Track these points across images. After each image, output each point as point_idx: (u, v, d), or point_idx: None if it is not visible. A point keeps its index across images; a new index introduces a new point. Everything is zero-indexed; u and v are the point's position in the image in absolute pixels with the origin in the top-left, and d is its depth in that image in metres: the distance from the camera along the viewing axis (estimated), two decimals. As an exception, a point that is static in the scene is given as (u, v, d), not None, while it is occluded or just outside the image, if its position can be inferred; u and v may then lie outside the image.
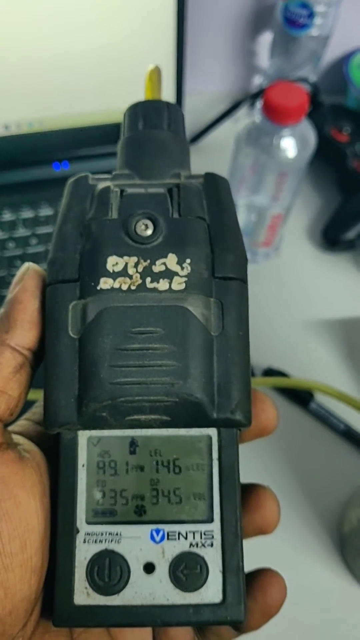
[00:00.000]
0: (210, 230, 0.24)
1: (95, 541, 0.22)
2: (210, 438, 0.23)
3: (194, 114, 0.75)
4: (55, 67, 0.59)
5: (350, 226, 0.64)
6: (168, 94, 0.64)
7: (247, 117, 0.68)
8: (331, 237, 0.65)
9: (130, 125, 0.28)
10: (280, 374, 0.56)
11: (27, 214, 0.63)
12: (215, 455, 0.23)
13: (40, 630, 0.22)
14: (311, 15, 0.66)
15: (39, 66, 0.59)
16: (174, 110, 0.28)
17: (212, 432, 0.23)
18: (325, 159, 0.70)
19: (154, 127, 0.27)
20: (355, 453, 0.53)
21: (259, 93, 0.70)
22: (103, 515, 0.22)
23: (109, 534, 0.22)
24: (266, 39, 0.76)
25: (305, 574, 0.48)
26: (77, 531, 0.22)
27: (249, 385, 0.23)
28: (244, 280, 0.24)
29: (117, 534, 0.22)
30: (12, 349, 0.23)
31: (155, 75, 0.29)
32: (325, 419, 0.54)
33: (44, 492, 0.22)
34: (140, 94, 0.29)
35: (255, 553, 0.48)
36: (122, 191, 0.24)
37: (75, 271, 0.23)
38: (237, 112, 0.72)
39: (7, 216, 0.63)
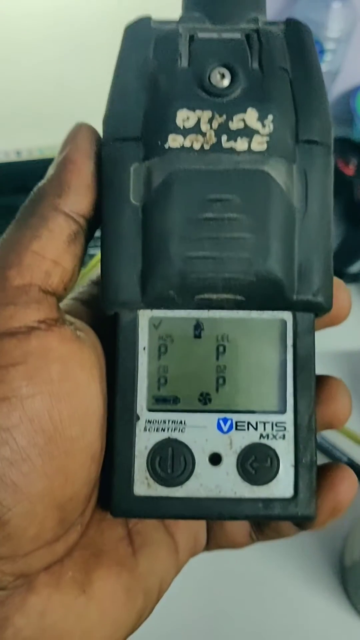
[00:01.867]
0: (294, 85, 0.21)
1: (157, 429, 0.21)
2: (285, 323, 0.21)
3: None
4: (65, 94, 0.60)
5: (356, 259, 0.65)
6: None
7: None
8: (337, 270, 0.65)
9: None
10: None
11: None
12: (290, 341, 0.21)
13: (96, 518, 0.22)
14: (321, 52, 0.68)
15: (49, 94, 0.60)
16: None
17: (287, 316, 0.21)
18: (332, 192, 0.71)
19: None
20: (358, 486, 0.54)
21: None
22: (165, 402, 0.21)
23: (172, 422, 0.21)
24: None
25: (307, 607, 0.48)
26: (138, 418, 0.21)
27: (331, 267, 0.21)
28: (329, 146, 0.21)
29: (180, 422, 0.21)
30: (66, 215, 0.20)
31: None
32: (328, 452, 0.55)
33: (102, 375, 0.21)
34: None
35: (254, 585, 0.48)
36: (192, 36, 0.21)
37: (138, 127, 0.20)
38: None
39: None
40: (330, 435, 0.55)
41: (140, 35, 0.21)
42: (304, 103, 0.20)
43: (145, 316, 0.21)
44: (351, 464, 0.54)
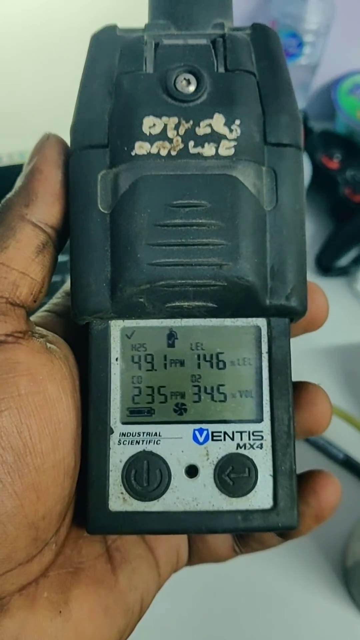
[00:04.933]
0: (260, 87, 0.20)
1: (132, 442, 0.20)
2: (259, 329, 0.21)
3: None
4: (45, 99, 0.59)
5: (343, 253, 0.65)
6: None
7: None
8: (324, 264, 0.65)
9: None
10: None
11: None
12: (264, 348, 0.21)
13: (73, 536, 0.21)
14: (300, 45, 0.67)
15: (29, 100, 0.59)
16: None
17: (262, 322, 0.21)
18: (317, 187, 0.70)
19: None
20: (356, 483, 0.53)
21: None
22: (140, 414, 0.20)
23: (147, 434, 0.20)
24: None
25: (309, 608, 0.47)
26: (112, 431, 0.20)
27: (304, 268, 0.20)
28: (299, 147, 0.21)
29: (155, 434, 0.20)
30: (34, 225, 0.20)
31: None
32: (325, 449, 0.54)
33: (74, 387, 0.20)
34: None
35: (256, 587, 0.47)
36: (157, 43, 0.21)
37: (105, 135, 0.20)
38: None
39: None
40: (328, 432, 0.55)
41: (106, 44, 0.21)
42: (271, 105, 0.20)
43: (117, 326, 0.21)
44: (347, 460, 0.53)
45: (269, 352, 0.21)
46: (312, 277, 0.66)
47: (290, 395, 0.21)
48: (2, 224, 0.20)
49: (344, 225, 0.67)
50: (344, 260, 0.65)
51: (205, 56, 0.21)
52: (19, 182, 0.20)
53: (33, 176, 0.20)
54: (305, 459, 0.54)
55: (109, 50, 0.21)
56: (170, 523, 0.20)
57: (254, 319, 0.21)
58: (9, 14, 0.54)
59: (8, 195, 0.20)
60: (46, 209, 0.20)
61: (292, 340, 0.21)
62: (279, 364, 0.21)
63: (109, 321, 0.20)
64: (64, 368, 0.20)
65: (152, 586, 0.23)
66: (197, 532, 0.20)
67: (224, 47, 0.21)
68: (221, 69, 0.20)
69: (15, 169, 0.20)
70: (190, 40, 0.21)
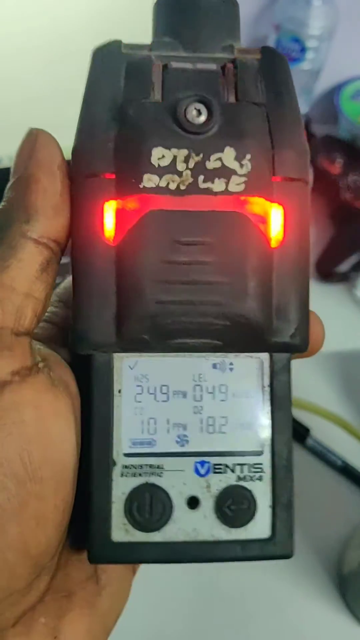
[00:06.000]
0: (270, 119, 0.20)
1: (135, 474, 0.20)
2: (262, 363, 0.21)
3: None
4: (46, 99, 0.59)
5: (344, 258, 0.65)
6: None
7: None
8: (324, 270, 0.65)
9: None
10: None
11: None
12: (266, 381, 0.21)
13: (64, 558, 0.21)
14: (303, 50, 0.67)
15: (31, 101, 0.59)
16: None
17: (264, 356, 0.21)
18: (318, 191, 0.70)
19: None
20: (353, 489, 0.53)
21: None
22: (142, 446, 0.20)
23: (150, 466, 0.20)
24: (258, 70, 0.77)
25: (305, 615, 0.47)
26: (114, 464, 0.20)
27: (308, 306, 0.21)
28: (306, 181, 0.20)
29: (158, 467, 0.20)
30: (36, 242, 0.18)
31: None
32: (323, 455, 0.54)
33: (77, 418, 0.20)
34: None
35: (252, 594, 0.47)
36: (165, 65, 0.20)
37: (110, 164, 0.19)
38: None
39: None
40: (325, 436, 0.55)
41: (110, 62, 0.20)
42: (280, 138, 0.20)
43: (120, 358, 0.20)
44: (345, 467, 0.53)
45: (271, 385, 0.21)
46: (312, 283, 0.66)
47: (289, 429, 0.21)
48: (2, 243, 0.18)
49: (345, 231, 0.67)
50: (344, 266, 0.64)
51: (215, 84, 0.20)
52: (12, 192, 0.19)
53: (29, 188, 0.19)
54: (304, 465, 0.54)
55: (114, 71, 0.20)
56: (170, 553, 0.20)
57: (257, 353, 0.21)
58: (11, 17, 0.54)
59: (2, 207, 0.19)
60: (48, 223, 0.19)
61: None
62: (281, 397, 0.21)
63: (112, 353, 0.20)
64: (68, 401, 0.19)
65: (126, 602, 0.23)
66: (197, 561, 0.21)
67: (235, 74, 0.20)
68: (231, 98, 0.20)
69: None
70: (199, 65, 0.20)
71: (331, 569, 0.49)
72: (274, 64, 0.21)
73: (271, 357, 0.21)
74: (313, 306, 0.21)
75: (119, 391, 0.20)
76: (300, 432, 0.55)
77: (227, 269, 0.19)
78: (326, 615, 0.47)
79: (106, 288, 0.19)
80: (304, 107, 0.74)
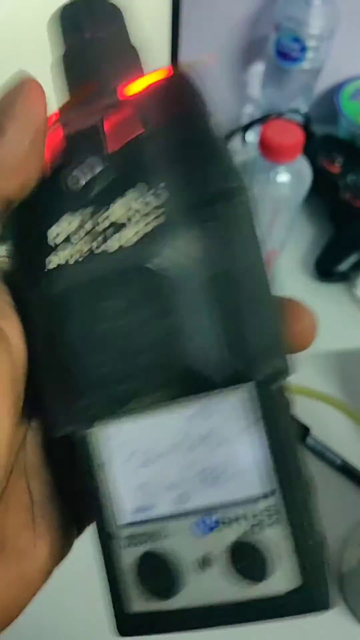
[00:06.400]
0: (172, 151, 0.18)
1: (137, 544, 0.19)
2: (246, 395, 0.18)
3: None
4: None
5: (344, 258, 0.65)
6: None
7: (240, 148, 0.69)
8: (324, 269, 0.65)
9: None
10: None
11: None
12: (258, 414, 0.18)
13: (3, 501, 0.20)
14: (303, 49, 0.67)
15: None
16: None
17: (248, 386, 0.18)
18: (318, 191, 0.70)
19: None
20: (353, 488, 0.53)
21: (251, 124, 0.70)
22: (140, 513, 0.19)
23: (150, 532, 0.19)
24: (258, 69, 0.77)
25: (304, 613, 0.47)
26: (114, 537, 0.19)
27: (277, 321, 0.18)
28: (242, 189, 0.18)
29: (159, 531, 0.19)
30: None
31: None
32: (322, 454, 0.54)
33: (14, 378, 0.18)
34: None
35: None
36: (64, 135, 0.19)
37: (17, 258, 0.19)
38: (229, 142, 0.73)
39: None
40: (325, 438, 0.55)
41: None
42: (192, 161, 0.18)
43: (95, 432, 0.19)
44: (344, 465, 0.53)
45: (264, 417, 0.18)
46: (312, 282, 0.66)
47: (298, 457, 0.18)
48: None
49: (345, 230, 0.67)
50: (344, 265, 0.65)
51: (94, 139, 0.19)
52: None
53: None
54: (303, 463, 0.54)
55: None
56: (192, 619, 0.19)
57: (237, 385, 0.18)
58: (11, 12, 0.54)
59: None
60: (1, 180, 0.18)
61: None
62: (279, 429, 0.18)
63: (86, 430, 0.19)
64: (6, 364, 0.18)
65: (60, 559, 0.22)
66: (222, 625, 0.19)
67: (116, 120, 0.19)
68: (115, 146, 0.18)
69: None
70: (85, 121, 0.19)
71: (331, 567, 0.49)
72: (172, 90, 0.20)
73: (257, 385, 0.18)
74: (313, 306, 0.20)
75: (101, 465, 0.19)
76: (300, 432, 0.55)
77: (156, 321, 0.18)
78: (325, 613, 0.47)
79: (55, 372, 0.19)
80: (303, 107, 0.74)
